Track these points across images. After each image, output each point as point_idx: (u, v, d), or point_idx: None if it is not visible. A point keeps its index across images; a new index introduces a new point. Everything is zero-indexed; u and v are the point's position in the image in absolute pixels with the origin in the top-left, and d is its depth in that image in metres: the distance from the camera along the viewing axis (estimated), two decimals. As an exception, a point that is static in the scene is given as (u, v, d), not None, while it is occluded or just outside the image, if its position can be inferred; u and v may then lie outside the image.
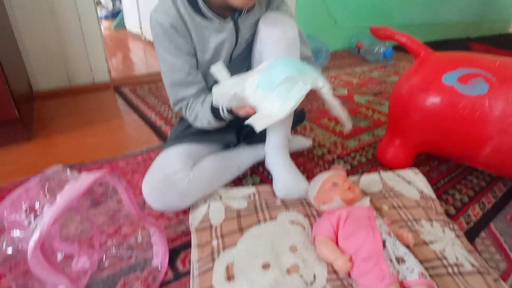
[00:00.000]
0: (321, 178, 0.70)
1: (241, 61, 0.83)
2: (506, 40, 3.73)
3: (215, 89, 0.64)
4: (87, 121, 1.31)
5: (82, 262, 0.62)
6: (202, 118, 0.75)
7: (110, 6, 3.95)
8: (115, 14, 3.84)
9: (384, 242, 0.54)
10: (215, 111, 0.71)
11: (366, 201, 0.64)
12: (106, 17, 3.90)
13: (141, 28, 3.14)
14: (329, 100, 0.59)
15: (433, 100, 0.83)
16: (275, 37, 0.73)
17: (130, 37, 3.32)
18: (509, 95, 0.76)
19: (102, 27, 3.82)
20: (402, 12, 2.94)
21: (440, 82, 0.83)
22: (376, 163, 1.01)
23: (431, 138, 0.88)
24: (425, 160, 1.04)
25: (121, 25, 3.69)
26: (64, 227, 0.68)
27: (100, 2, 3.98)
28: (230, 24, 0.74)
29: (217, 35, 0.74)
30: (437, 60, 0.88)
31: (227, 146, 0.91)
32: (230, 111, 0.69)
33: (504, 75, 0.78)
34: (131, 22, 3.43)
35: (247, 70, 0.85)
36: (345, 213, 0.60)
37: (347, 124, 0.62)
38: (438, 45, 3.12)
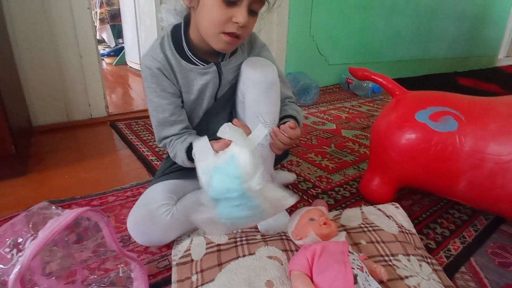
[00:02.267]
0: (299, 213, 0.72)
1: (226, 101, 0.88)
2: (493, 74, 3.88)
3: (196, 148, 0.66)
4: (82, 156, 1.35)
5: (62, 298, 0.63)
6: (179, 156, 0.78)
7: (112, 43, 4.14)
8: (117, 51, 4.02)
9: (355, 277, 0.55)
10: (189, 153, 0.75)
11: (341, 236, 0.66)
12: (109, 54, 4.07)
13: (141, 64, 3.28)
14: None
15: (408, 136, 0.87)
16: (255, 79, 0.79)
17: (130, 73, 3.46)
18: (477, 132, 0.80)
19: (104, 63, 3.98)
20: (390, 49, 3.09)
21: (413, 120, 0.88)
22: (360, 197, 1.04)
23: (409, 173, 0.91)
24: (408, 194, 1.07)
25: (123, 62, 3.85)
26: (47, 263, 0.69)
27: (104, 40, 4.18)
28: (213, 68, 0.81)
29: (201, 78, 0.80)
30: (410, 99, 0.93)
31: None
32: None
33: (472, 113, 0.83)
34: (132, 59, 3.59)
35: (231, 109, 0.90)
36: (319, 248, 0.61)
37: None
38: (426, 80, 3.25)
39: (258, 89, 0.78)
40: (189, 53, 0.78)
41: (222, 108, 0.89)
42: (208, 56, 0.81)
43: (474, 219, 0.96)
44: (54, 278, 0.67)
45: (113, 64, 3.94)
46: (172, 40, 0.78)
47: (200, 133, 0.86)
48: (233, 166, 0.57)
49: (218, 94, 0.86)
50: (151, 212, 0.73)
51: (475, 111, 0.84)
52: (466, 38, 3.93)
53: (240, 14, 0.67)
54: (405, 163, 0.90)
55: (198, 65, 0.79)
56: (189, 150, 0.75)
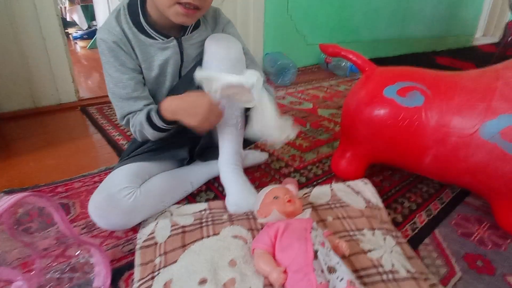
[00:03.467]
0: (264, 191, 0.71)
1: (190, 79, 0.85)
2: (469, 53, 3.94)
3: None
4: (50, 143, 1.29)
5: (19, 287, 0.61)
6: (138, 123, 0.76)
7: (85, 25, 3.96)
8: (91, 33, 3.85)
9: (316, 253, 0.55)
10: (149, 117, 0.73)
11: (306, 213, 0.66)
12: (82, 37, 3.89)
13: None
14: (260, 102, 0.63)
15: (376, 112, 0.87)
16: (218, 56, 0.76)
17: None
18: (443, 107, 0.81)
19: (78, 47, 3.81)
20: (369, 28, 3.07)
21: (381, 96, 0.87)
22: (331, 175, 1.04)
23: (378, 149, 0.92)
24: (379, 171, 1.08)
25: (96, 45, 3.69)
26: (4, 253, 0.66)
27: (75, 22, 3.98)
28: (173, 43, 0.77)
29: (161, 53, 0.77)
30: (379, 75, 0.93)
31: (181, 164, 0.92)
32: (161, 116, 0.72)
33: (438, 88, 0.83)
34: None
35: (197, 88, 0.87)
36: (283, 226, 0.61)
37: (278, 135, 0.66)
38: (405, 59, 3.26)
39: (223, 66, 0.76)
40: (147, 27, 0.74)
41: (187, 86, 0.85)
42: (168, 30, 0.77)
43: (441, 193, 0.98)
44: (12, 268, 0.65)
45: (87, 47, 3.78)
46: (128, 13, 0.74)
47: None
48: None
49: (182, 72, 0.83)
50: (111, 196, 0.71)
51: (441, 85, 0.84)
52: (443, 18, 3.95)
53: None
54: (373, 139, 0.90)
55: (157, 40, 0.76)
56: (149, 114, 0.74)
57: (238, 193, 0.81)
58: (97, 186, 0.96)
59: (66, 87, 1.70)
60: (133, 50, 0.75)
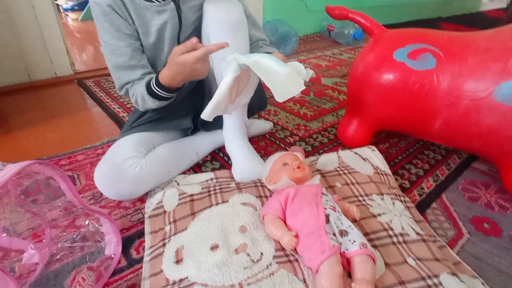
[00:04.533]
0: (273, 158, 0.70)
1: None
2: (476, 19, 3.81)
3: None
4: (49, 116, 1.27)
5: (31, 257, 0.61)
6: (139, 93, 0.73)
7: (77, -4, 3.79)
8: (83, 4, 3.69)
9: (327, 217, 0.55)
10: (149, 87, 0.71)
11: (315, 179, 0.65)
12: (73, 9, 3.74)
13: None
14: (265, 76, 0.59)
15: (385, 77, 0.84)
16: (218, 19, 0.72)
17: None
18: (455, 69, 0.78)
19: (69, 19, 3.67)
20: (373, -6, 2.94)
21: (391, 59, 0.84)
22: (338, 143, 1.03)
23: (386, 115, 0.90)
24: (385, 138, 1.07)
25: (89, 17, 3.55)
26: (14, 224, 0.66)
27: (67, -7, 3.81)
28: (170, 5, 0.73)
29: (158, 17, 0.73)
30: (388, 38, 0.89)
31: (185, 134, 0.90)
32: (160, 85, 0.70)
33: (451, 49, 0.80)
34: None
35: None
36: (292, 192, 0.60)
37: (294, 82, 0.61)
38: (409, 26, 3.17)
39: (223, 29, 0.72)
40: None
41: None
42: None
43: (447, 159, 0.97)
44: (22, 238, 0.65)
45: (79, 19, 3.64)
46: None
47: None
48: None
49: (181, 37, 0.79)
50: (117, 165, 0.70)
51: (453, 47, 0.80)
52: (450, -20, 3.79)
53: None
54: (382, 105, 0.88)
55: (154, 2, 0.71)
56: (149, 85, 0.71)
57: (245, 161, 0.80)
58: (101, 158, 0.95)
59: (60, 59, 1.64)
60: (129, 14, 0.71)
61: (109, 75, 1.72)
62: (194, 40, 0.62)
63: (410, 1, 3.39)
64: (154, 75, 0.72)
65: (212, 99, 0.61)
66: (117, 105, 1.32)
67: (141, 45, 0.76)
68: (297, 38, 2.06)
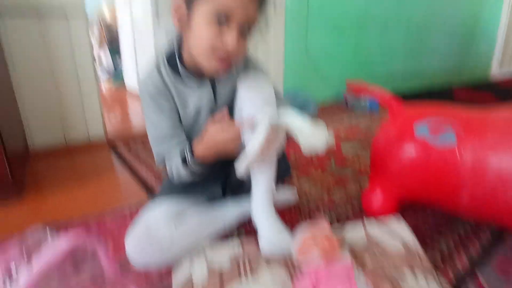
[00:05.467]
0: (302, 232, 0.71)
1: None
2: (487, 85, 3.93)
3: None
4: (80, 179, 1.33)
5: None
6: (174, 163, 0.79)
7: (110, 65, 4.19)
8: (115, 73, 4.07)
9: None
10: (182, 154, 0.77)
11: (346, 256, 0.64)
12: (108, 77, 4.12)
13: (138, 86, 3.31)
14: (294, 127, 0.69)
15: (407, 151, 0.87)
16: (250, 96, 0.79)
17: (129, 95, 3.48)
18: (476, 144, 0.80)
19: (102, 86, 4.01)
20: (385, 64, 3.13)
21: (412, 134, 0.88)
22: (362, 213, 1.02)
23: (410, 189, 0.90)
24: (411, 209, 1.05)
25: (121, 84, 3.89)
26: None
27: (102, 63, 4.23)
28: (207, 84, 0.82)
29: (196, 95, 0.82)
30: (408, 113, 0.94)
31: (213, 199, 0.93)
32: (193, 157, 0.76)
33: (470, 125, 0.83)
34: (130, 80, 3.62)
35: None
36: (324, 269, 0.60)
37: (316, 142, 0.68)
38: (422, 94, 3.28)
39: (255, 105, 0.79)
40: (183, 72, 0.79)
41: None
42: (202, 74, 0.82)
43: (479, 233, 0.94)
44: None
45: (111, 86, 3.99)
46: (167, 60, 0.80)
47: None
48: None
49: (215, 110, 0.86)
50: (150, 233, 0.72)
51: (473, 124, 0.84)
52: (458, 52, 4.00)
53: (230, 34, 0.68)
54: (406, 178, 0.89)
55: (193, 83, 0.80)
56: (183, 153, 0.77)
57: (273, 234, 0.80)
58: (128, 222, 0.98)
59: (95, 124, 1.77)
60: (171, 94, 0.81)
61: (137, 139, 1.83)
62: (224, 112, 0.71)
63: (421, 69, 3.57)
64: (187, 145, 0.79)
65: (245, 156, 0.68)
66: (146, 170, 1.38)
67: (179, 119, 0.84)
68: (316, 106, 2.17)
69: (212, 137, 0.71)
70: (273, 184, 0.87)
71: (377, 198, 0.97)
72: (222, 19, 0.67)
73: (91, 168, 1.46)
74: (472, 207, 0.83)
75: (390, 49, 3.12)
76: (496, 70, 5.01)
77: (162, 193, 0.87)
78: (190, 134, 0.86)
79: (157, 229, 0.74)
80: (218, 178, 0.91)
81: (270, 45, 2.31)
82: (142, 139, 1.83)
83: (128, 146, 1.71)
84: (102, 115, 1.79)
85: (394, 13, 3.03)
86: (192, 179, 0.81)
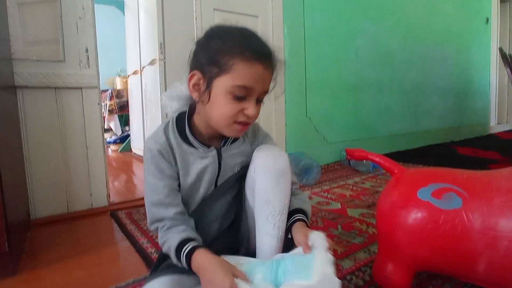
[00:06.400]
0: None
1: (226, 189, 0.88)
2: (488, 141, 3.97)
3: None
4: (78, 251, 1.29)
5: None
6: (168, 243, 0.77)
7: (119, 131, 4.35)
8: (123, 138, 4.21)
9: None
10: (180, 247, 0.74)
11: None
12: (115, 142, 4.25)
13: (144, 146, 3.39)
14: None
15: (413, 216, 0.84)
16: (267, 166, 0.80)
17: (134, 159, 3.55)
18: (484, 208, 0.78)
19: (109, 150, 4.11)
20: (384, 124, 3.21)
21: (416, 199, 0.86)
22: (374, 285, 0.96)
23: (421, 256, 0.86)
24: (427, 279, 0.98)
25: (128, 149, 3.99)
26: None
27: (111, 129, 4.40)
28: (213, 152, 0.83)
29: (200, 161, 0.82)
30: (409, 177, 0.93)
31: None
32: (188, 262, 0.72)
33: (473, 188, 0.82)
34: (137, 145, 3.72)
35: (232, 198, 0.89)
36: None
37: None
38: (425, 151, 3.30)
39: (269, 176, 0.79)
40: (191, 137, 0.82)
41: (222, 196, 0.88)
42: (210, 141, 0.84)
43: (503, 306, 0.86)
44: None
45: (118, 151, 4.09)
46: (176, 125, 0.83)
47: (196, 220, 0.84)
48: None
49: (218, 181, 0.87)
50: None
51: (476, 186, 0.83)
52: (454, 110, 4.13)
53: (250, 107, 0.74)
54: (415, 245, 0.85)
55: (199, 149, 0.82)
56: (181, 244, 0.74)
57: None
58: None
59: (99, 192, 1.78)
60: (174, 157, 0.82)
61: (140, 206, 1.81)
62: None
63: (420, 129, 3.64)
64: (195, 244, 0.74)
65: None
66: (146, 239, 1.34)
67: (179, 185, 0.83)
68: (319, 169, 2.18)
69: (214, 275, 0.67)
70: None
71: (388, 269, 0.91)
72: (242, 95, 0.73)
73: (91, 239, 1.42)
74: (490, 275, 0.78)
75: (388, 110, 3.24)
76: (495, 125, 5.11)
77: (158, 270, 0.82)
78: (187, 200, 0.85)
79: None
80: (222, 253, 0.88)
81: (272, 111, 2.41)
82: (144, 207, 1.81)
83: (129, 215, 1.68)
84: (107, 181, 1.80)
85: (387, 76, 3.22)
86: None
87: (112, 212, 1.73)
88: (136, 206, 1.81)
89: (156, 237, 1.35)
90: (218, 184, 0.87)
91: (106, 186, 1.80)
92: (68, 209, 1.69)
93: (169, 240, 0.76)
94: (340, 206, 1.69)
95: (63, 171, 1.66)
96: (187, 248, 0.73)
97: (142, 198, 1.91)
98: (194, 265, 0.71)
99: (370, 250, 1.18)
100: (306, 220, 0.85)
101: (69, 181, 1.68)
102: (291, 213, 0.85)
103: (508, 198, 0.77)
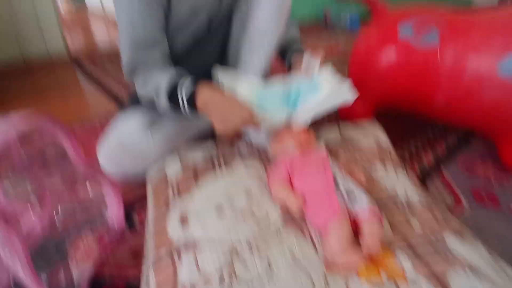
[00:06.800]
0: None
1: (220, 33, 0.77)
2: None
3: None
4: (44, 95, 1.24)
5: (31, 223, 0.60)
6: (154, 91, 0.66)
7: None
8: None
9: (335, 180, 0.55)
10: (173, 89, 0.63)
11: (321, 147, 0.65)
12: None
13: (102, 4, 2.99)
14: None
15: (389, 53, 0.84)
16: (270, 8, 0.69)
17: (91, 15, 3.16)
18: (459, 45, 0.78)
19: (60, 6, 3.60)
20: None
21: (395, 36, 0.84)
22: (337, 119, 1.03)
23: (388, 92, 0.90)
24: (385, 116, 1.07)
25: (82, 2, 3.50)
26: (13, 187, 0.65)
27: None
28: None
29: None
30: (391, 15, 0.89)
31: (199, 138, 0.84)
32: (191, 104, 0.63)
33: (454, 25, 0.80)
34: (93, 1, 3.25)
35: (223, 44, 0.79)
36: (298, 157, 0.60)
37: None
38: None
39: (271, 7, 0.69)
40: None
41: (215, 43, 0.77)
42: None
43: (447, 136, 0.98)
44: (22, 201, 0.63)
45: (72, 6, 3.58)
46: None
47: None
48: None
49: (213, 21, 0.74)
50: (127, 144, 0.68)
51: (457, 23, 0.80)
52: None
53: None
54: (385, 82, 0.88)
55: None
56: (173, 80, 0.64)
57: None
58: (99, 132, 0.94)
59: (54, 40, 1.61)
60: None
61: (104, 55, 1.69)
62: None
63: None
64: (189, 79, 0.64)
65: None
66: (113, 82, 1.30)
67: (165, 20, 0.68)
68: (296, 25, 2.05)
69: (231, 105, 0.60)
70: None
71: (353, 105, 0.96)
72: None
73: (55, 86, 1.35)
74: (446, 108, 0.85)
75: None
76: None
77: (135, 102, 0.79)
78: (172, 40, 0.71)
79: (132, 138, 0.69)
80: None
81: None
82: (109, 56, 1.69)
83: (93, 62, 1.58)
84: (61, 31, 1.61)
85: None
86: (164, 112, 0.70)
87: (75, 60, 1.61)
88: (100, 55, 1.69)
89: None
90: (212, 27, 0.75)
91: (62, 35, 1.61)
92: (24, 57, 1.54)
93: (154, 80, 0.65)
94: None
95: (8, 13, 1.43)
96: (184, 83, 0.63)
97: (105, 48, 1.79)
98: (200, 101, 0.61)
99: (338, 95, 1.23)
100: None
101: (17, 27, 1.48)
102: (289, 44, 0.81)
103: (485, 34, 0.76)
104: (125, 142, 0.69)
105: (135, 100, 0.82)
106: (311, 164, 0.59)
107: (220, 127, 0.62)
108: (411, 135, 0.98)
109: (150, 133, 0.71)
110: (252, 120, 0.60)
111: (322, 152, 0.63)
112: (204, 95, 0.62)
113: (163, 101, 0.65)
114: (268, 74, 0.77)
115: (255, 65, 0.72)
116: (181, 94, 0.62)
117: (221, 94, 0.63)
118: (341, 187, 0.55)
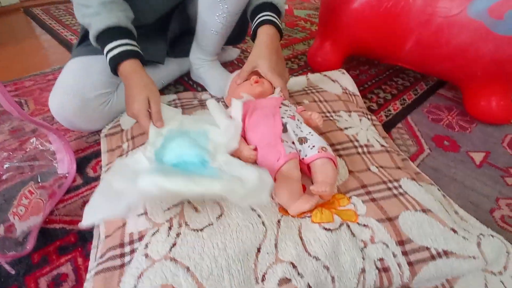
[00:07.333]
0: (231, 77, 0.66)
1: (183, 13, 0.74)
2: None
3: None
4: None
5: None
6: (88, 24, 0.60)
7: None
8: None
9: (285, 126, 0.53)
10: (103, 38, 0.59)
11: (276, 93, 0.62)
12: None
13: None
14: None
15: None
16: None
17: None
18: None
19: None
20: None
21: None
22: (308, 69, 1.00)
23: (358, 36, 0.86)
24: (356, 65, 1.04)
25: None
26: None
27: None
28: None
29: None
30: None
31: (152, 62, 0.78)
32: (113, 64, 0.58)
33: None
34: None
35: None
36: (251, 106, 0.57)
37: None
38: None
39: None
40: None
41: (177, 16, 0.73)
42: None
43: (415, 85, 0.97)
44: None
45: None
46: None
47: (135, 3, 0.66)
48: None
49: None
50: (86, 102, 0.62)
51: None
52: None
53: None
54: (355, 25, 0.84)
55: None
56: (106, 32, 0.58)
57: (221, 79, 0.77)
58: (51, 84, 0.86)
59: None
60: None
61: (58, 3, 1.53)
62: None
63: None
64: (126, 49, 0.59)
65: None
66: (70, 33, 1.19)
67: None
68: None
69: (137, 93, 0.56)
70: (221, 45, 0.79)
71: (323, 52, 0.93)
72: None
73: (7, 34, 1.23)
74: (415, 54, 0.82)
75: None
76: None
77: (90, 44, 0.68)
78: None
79: (94, 99, 0.63)
80: (162, 39, 0.78)
81: None
82: (64, 4, 1.54)
83: (47, 11, 1.43)
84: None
85: None
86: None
87: (26, 9, 1.46)
88: (53, 3, 1.53)
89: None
90: None
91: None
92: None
93: (96, 19, 0.59)
94: (287, 7, 1.59)
95: None
96: (115, 49, 0.58)
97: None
98: (121, 71, 0.59)
99: (309, 43, 1.19)
100: (276, 19, 0.69)
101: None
102: (260, 6, 0.69)
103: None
104: (88, 103, 0.63)
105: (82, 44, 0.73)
106: (262, 112, 0.56)
107: (127, 110, 0.58)
108: (380, 83, 0.96)
109: (114, 96, 0.67)
110: (140, 119, 0.55)
111: (277, 98, 0.60)
112: (124, 69, 0.58)
113: (92, 39, 0.61)
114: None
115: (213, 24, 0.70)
116: (107, 53, 0.59)
117: (134, 78, 0.58)
118: (292, 133, 0.53)
